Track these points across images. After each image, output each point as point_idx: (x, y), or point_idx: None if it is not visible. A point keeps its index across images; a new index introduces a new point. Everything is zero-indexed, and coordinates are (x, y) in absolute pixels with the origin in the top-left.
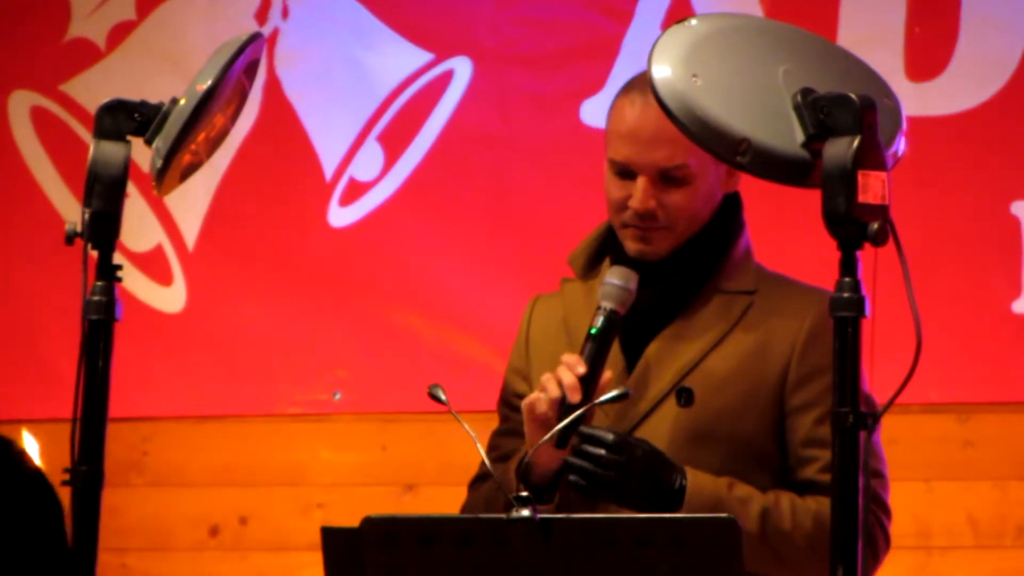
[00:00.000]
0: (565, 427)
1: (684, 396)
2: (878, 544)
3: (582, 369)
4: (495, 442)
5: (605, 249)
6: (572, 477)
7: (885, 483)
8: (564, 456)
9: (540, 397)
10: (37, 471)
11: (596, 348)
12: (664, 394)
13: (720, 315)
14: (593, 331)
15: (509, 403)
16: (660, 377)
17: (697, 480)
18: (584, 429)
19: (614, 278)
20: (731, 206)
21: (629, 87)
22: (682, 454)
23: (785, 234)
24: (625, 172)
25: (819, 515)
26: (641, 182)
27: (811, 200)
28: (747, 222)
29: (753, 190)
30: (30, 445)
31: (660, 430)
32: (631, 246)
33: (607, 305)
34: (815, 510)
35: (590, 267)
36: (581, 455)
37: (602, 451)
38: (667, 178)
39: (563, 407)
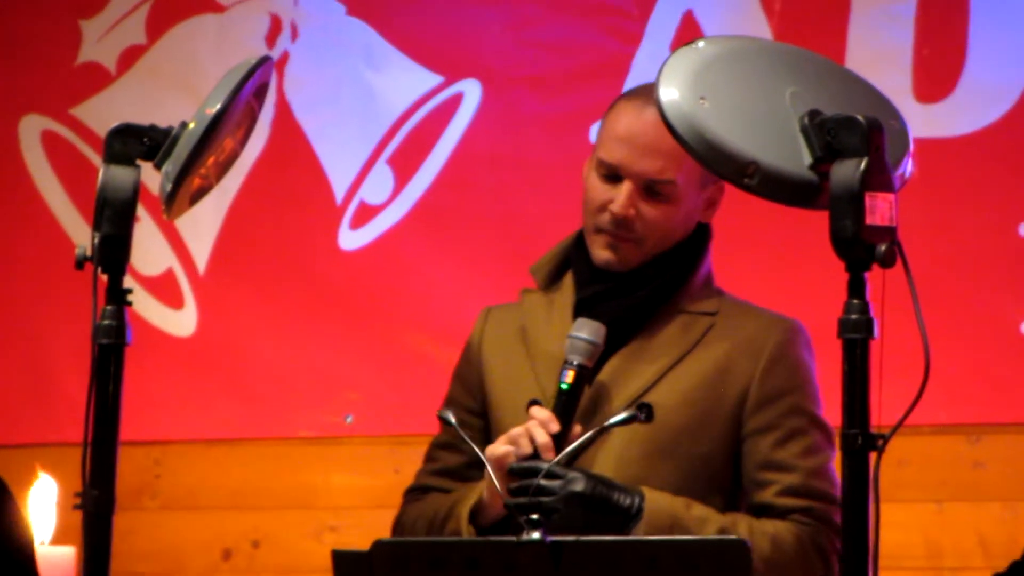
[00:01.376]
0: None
1: (644, 412)
2: (835, 569)
3: (556, 427)
4: (435, 453)
5: (568, 261)
6: (522, 517)
7: (838, 507)
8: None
9: (510, 452)
10: (15, 522)
11: (566, 403)
12: (623, 409)
13: (681, 334)
14: (564, 387)
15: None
16: (620, 392)
17: (655, 499)
18: (514, 465)
19: (583, 332)
20: (701, 234)
21: (634, 93)
22: (639, 470)
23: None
24: (612, 175)
25: (776, 538)
26: (626, 188)
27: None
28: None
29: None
30: (46, 484)
31: (618, 445)
32: (599, 254)
33: (576, 360)
34: (771, 533)
35: (553, 279)
36: (518, 492)
37: (539, 481)
38: (652, 191)
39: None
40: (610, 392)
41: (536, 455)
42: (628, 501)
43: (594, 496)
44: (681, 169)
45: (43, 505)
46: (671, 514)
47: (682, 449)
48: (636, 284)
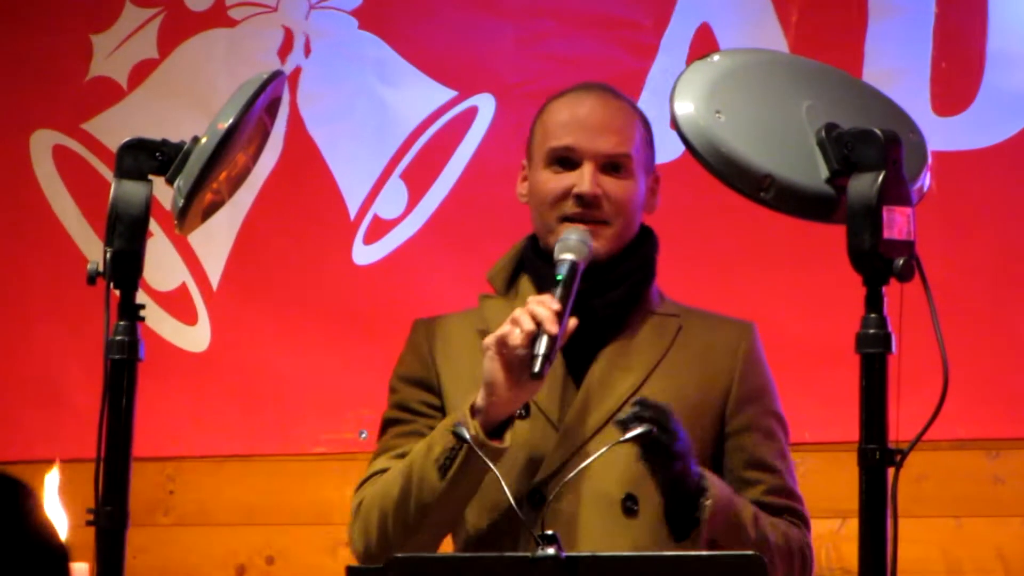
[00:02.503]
0: (543, 355)
1: (650, 412)
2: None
3: (557, 305)
4: (392, 442)
5: (521, 267)
6: (642, 427)
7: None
8: (523, 399)
9: (513, 331)
10: (43, 522)
11: (564, 292)
12: (617, 408)
13: (656, 336)
14: (559, 277)
15: (410, 408)
16: (611, 392)
17: (712, 476)
18: (649, 400)
19: (572, 234)
20: (650, 237)
21: (566, 90)
22: (635, 472)
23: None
24: (566, 160)
25: (787, 535)
26: (588, 168)
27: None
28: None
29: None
30: (52, 483)
31: (612, 449)
32: None
33: (568, 256)
34: (784, 528)
35: (510, 284)
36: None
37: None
38: (611, 166)
39: (535, 340)
40: (602, 391)
41: (538, 332)
42: (696, 470)
43: (681, 448)
44: (632, 144)
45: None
46: (728, 492)
47: None
48: (612, 282)
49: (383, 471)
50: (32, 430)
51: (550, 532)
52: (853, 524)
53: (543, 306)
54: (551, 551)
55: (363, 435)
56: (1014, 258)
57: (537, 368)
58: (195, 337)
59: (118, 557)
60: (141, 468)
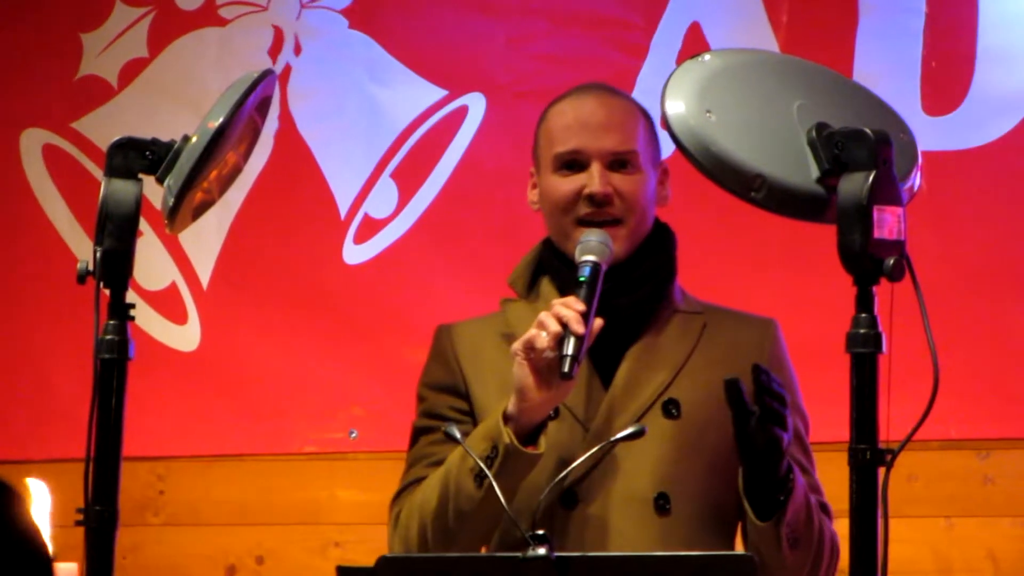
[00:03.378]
0: (571, 356)
1: (673, 408)
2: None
3: (581, 306)
4: (426, 451)
5: (540, 270)
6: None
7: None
8: (554, 402)
9: (540, 334)
10: (29, 528)
11: (588, 292)
12: (646, 408)
13: (683, 332)
14: (582, 278)
15: (440, 415)
16: (640, 392)
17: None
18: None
19: (592, 236)
20: (667, 233)
21: (565, 94)
22: (674, 467)
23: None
24: (573, 163)
25: (825, 528)
26: (596, 167)
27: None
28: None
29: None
30: (38, 491)
31: (648, 444)
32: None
33: (590, 258)
34: (825, 523)
35: (531, 287)
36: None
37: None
38: (619, 163)
39: (563, 342)
40: (631, 391)
41: (565, 333)
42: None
43: (777, 447)
44: (638, 140)
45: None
46: (802, 482)
47: (709, 443)
48: (631, 283)
49: (419, 480)
50: (21, 429)
51: (541, 532)
52: (843, 524)
53: (568, 307)
54: (541, 551)
55: (353, 434)
56: (1004, 258)
57: (566, 368)
58: (185, 336)
59: (108, 557)
60: (131, 468)
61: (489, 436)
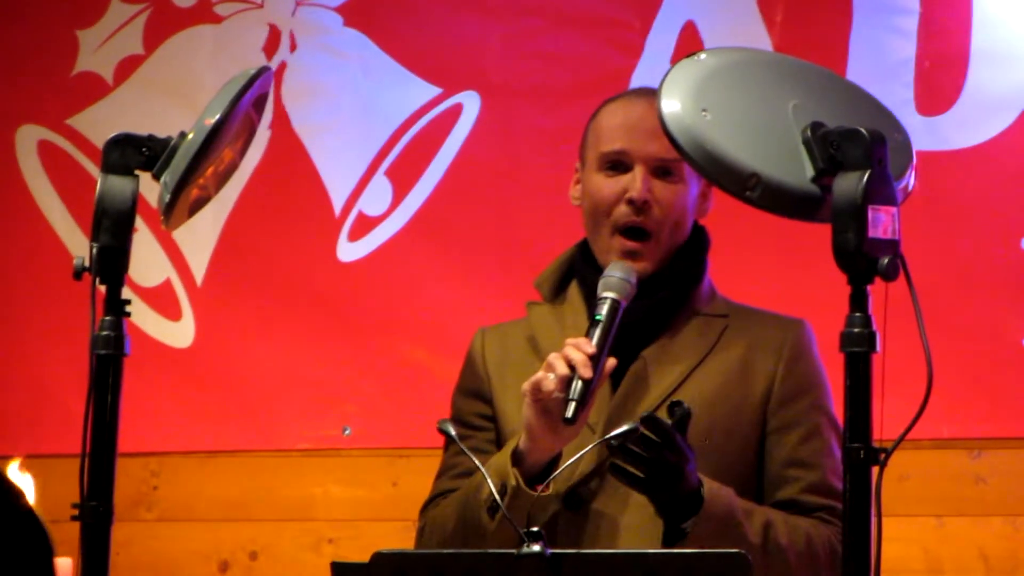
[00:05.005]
0: (576, 401)
1: (678, 411)
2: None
3: (591, 349)
4: (453, 460)
5: (571, 274)
6: (616, 459)
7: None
8: (562, 443)
9: (547, 376)
10: (29, 510)
11: (602, 332)
12: (654, 409)
13: (700, 335)
14: (598, 317)
15: (466, 422)
16: (648, 394)
17: (712, 487)
18: (645, 413)
19: (616, 272)
20: (702, 236)
21: (619, 95)
22: None
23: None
24: (618, 164)
25: (809, 535)
26: (639, 172)
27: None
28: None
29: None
30: (23, 480)
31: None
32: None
33: (609, 295)
34: (805, 529)
35: (557, 291)
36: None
37: (652, 435)
38: (662, 170)
39: (570, 384)
40: (638, 393)
41: (572, 376)
42: (694, 483)
43: (676, 468)
44: None
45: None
46: (726, 503)
47: (715, 446)
48: (654, 287)
49: (446, 492)
50: (16, 425)
51: (536, 529)
52: None
53: (577, 350)
54: (536, 548)
55: (347, 431)
56: (998, 258)
57: (569, 414)
58: (179, 333)
59: (103, 552)
60: (124, 463)
61: (499, 473)
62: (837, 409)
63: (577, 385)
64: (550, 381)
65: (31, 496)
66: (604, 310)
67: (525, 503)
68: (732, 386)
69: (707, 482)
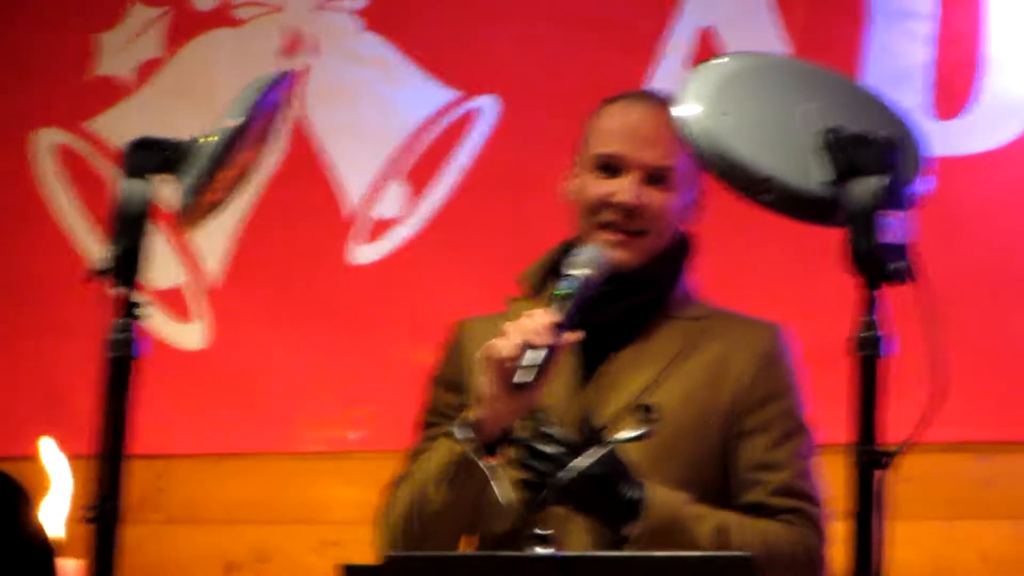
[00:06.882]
0: (528, 367)
1: (649, 415)
2: (821, 572)
3: (546, 318)
4: (421, 446)
5: (557, 269)
6: (525, 476)
7: (823, 510)
8: (516, 413)
9: (503, 342)
10: (35, 525)
11: (559, 306)
12: (617, 415)
13: (675, 338)
14: (557, 292)
15: (437, 411)
16: (618, 395)
17: (655, 494)
18: (544, 428)
19: (583, 251)
20: (684, 244)
21: (621, 96)
22: (645, 472)
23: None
24: (610, 167)
25: (768, 538)
26: (631, 177)
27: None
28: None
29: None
30: (57, 458)
31: (624, 447)
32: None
33: (572, 272)
34: (763, 531)
35: (542, 286)
36: (537, 455)
37: (562, 449)
38: (654, 178)
39: (524, 351)
40: (610, 393)
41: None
42: (631, 493)
43: (604, 481)
44: (678, 157)
45: (58, 495)
46: (671, 510)
47: (684, 449)
48: (629, 289)
49: (408, 475)
50: (29, 427)
51: (547, 532)
52: (842, 526)
53: (531, 318)
54: (546, 551)
55: (355, 435)
56: (1011, 262)
57: (516, 379)
58: (192, 335)
59: (113, 554)
60: (131, 466)
61: (451, 446)
62: (842, 412)
63: (528, 352)
64: (504, 347)
65: (66, 475)
66: (562, 286)
67: (478, 472)
68: (704, 389)
69: (651, 488)
